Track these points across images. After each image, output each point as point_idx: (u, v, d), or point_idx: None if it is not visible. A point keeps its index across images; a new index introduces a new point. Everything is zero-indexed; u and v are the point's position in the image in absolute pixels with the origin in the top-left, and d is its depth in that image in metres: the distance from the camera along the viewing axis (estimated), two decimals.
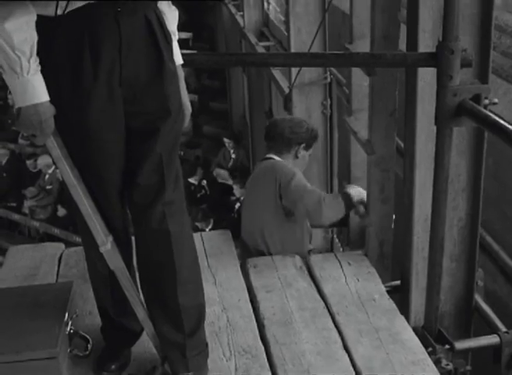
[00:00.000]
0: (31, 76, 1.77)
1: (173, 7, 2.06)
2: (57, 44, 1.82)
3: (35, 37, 1.77)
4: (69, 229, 8.93)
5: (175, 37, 2.06)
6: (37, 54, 1.78)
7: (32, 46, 1.76)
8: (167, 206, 2.02)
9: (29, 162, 9.65)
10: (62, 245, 3.31)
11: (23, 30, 1.74)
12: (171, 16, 2.05)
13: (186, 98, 2.16)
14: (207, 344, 2.25)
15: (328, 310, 2.70)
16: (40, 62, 1.79)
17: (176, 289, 2.09)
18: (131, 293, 2.16)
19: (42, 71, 1.79)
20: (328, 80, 4.70)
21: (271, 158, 3.40)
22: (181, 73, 2.12)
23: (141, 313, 2.18)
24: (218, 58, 3.10)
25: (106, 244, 2.06)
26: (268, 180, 3.25)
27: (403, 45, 2.74)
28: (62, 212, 9.15)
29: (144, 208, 2.03)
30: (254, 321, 2.60)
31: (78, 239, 7.11)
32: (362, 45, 3.54)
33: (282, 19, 7.99)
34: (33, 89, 1.78)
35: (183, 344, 2.14)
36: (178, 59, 2.10)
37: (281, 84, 5.29)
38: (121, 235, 2.13)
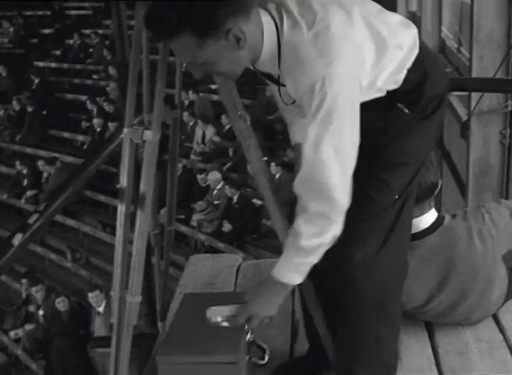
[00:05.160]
0: None
1: None
2: None
3: None
4: (233, 244, 9.21)
5: None
6: None
7: None
8: None
9: (199, 177, 10.07)
10: (240, 258, 3.44)
11: None
12: None
13: None
14: None
15: (507, 343, 2.61)
16: None
17: None
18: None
19: None
20: (510, 108, 4.58)
21: None
22: None
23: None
24: None
25: None
26: None
27: None
28: (227, 227, 9.45)
29: None
30: (430, 348, 2.57)
31: (241, 254, 7.33)
32: None
33: (455, 46, 7.87)
34: None
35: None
36: None
37: (458, 111, 5.21)
38: None
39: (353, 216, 1.82)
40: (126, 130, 2.00)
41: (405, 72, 1.89)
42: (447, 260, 2.45)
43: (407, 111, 1.94)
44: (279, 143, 10.18)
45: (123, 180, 2.03)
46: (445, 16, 7.74)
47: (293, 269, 1.87)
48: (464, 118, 4.95)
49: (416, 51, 1.91)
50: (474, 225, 2.47)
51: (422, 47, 1.94)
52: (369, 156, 1.89)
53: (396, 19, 1.94)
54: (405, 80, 1.90)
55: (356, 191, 1.81)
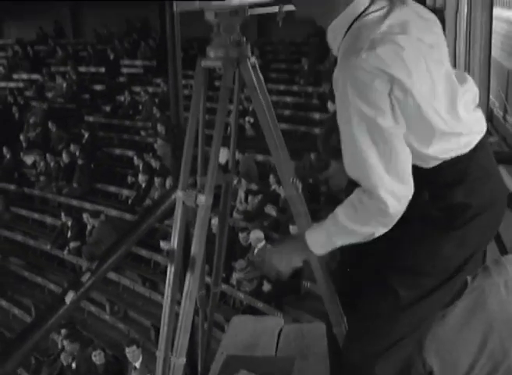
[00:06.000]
0: None
1: None
2: None
3: None
4: (272, 304, 9.15)
5: None
6: None
7: None
8: None
9: (241, 236, 10.10)
10: (282, 320, 3.43)
11: None
12: None
13: None
14: None
15: None
16: None
17: None
18: None
19: None
20: None
21: None
22: None
23: None
24: None
25: None
26: None
27: None
28: (267, 287, 9.41)
29: None
30: None
31: (280, 315, 7.28)
32: None
33: (501, 113, 7.84)
34: None
35: None
36: None
37: (505, 181, 5.17)
38: None
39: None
40: (179, 193, 2.05)
41: (448, 157, 1.90)
42: (481, 321, 2.42)
43: (427, 198, 1.94)
44: (322, 205, 10.20)
45: (174, 242, 2.07)
46: (492, 84, 7.74)
47: (321, 237, 1.94)
48: None
49: (469, 149, 1.93)
50: (499, 279, 2.45)
51: (481, 151, 1.95)
52: (382, 254, 1.97)
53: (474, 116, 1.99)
54: (442, 167, 1.91)
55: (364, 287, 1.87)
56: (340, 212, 1.87)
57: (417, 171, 1.87)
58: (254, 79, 2.09)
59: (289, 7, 2.16)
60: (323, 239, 1.94)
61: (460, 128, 1.90)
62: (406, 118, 1.80)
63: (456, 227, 1.94)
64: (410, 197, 1.83)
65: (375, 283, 2.04)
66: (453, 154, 1.90)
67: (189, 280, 2.04)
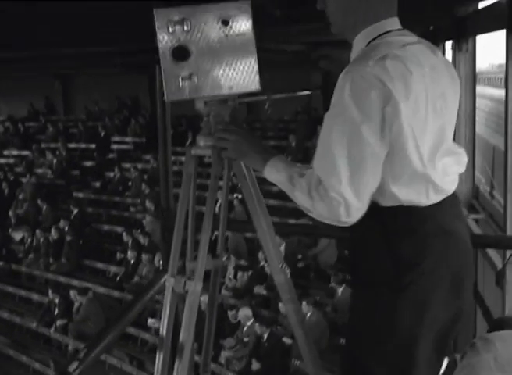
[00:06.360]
0: None
1: None
2: None
3: None
4: None
5: None
6: None
7: None
8: None
9: (230, 313, 10.00)
10: None
11: None
12: None
13: None
14: None
15: None
16: None
17: None
18: None
19: None
20: None
21: None
22: None
23: None
24: None
25: None
26: None
27: None
28: (255, 365, 9.27)
29: None
30: None
31: None
32: None
33: (487, 189, 7.95)
34: None
35: None
36: None
37: (493, 259, 5.21)
38: None
39: None
40: (169, 279, 2.06)
41: (407, 201, 1.86)
42: None
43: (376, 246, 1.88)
44: (311, 282, 10.18)
45: (163, 329, 2.06)
46: (477, 160, 7.88)
47: (277, 176, 1.90)
48: (499, 266, 4.93)
49: (430, 203, 1.89)
50: (488, 356, 2.41)
51: (440, 210, 1.91)
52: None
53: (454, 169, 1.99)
54: (397, 211, 1.86)
55: None
56: (298, 191, 1.84)
57: (372, 204, 1.84)
58: (243, 167, 2.13)
59: (277, 95, 2.23)
60: (276, 177, 1.91)
61: (432, 177, 1.87)
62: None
63: (404, 286, 1.85)
64: (361, 213, 1.78)
65: (351, 362, 2.00)
66: (414, 199, 1.86)
67: (177, 368, 2.02)
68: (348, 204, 1.75)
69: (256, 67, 2.09)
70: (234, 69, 2.06)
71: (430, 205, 1.88)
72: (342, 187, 1.75)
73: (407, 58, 1.79)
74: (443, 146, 1.90)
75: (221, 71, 2.06)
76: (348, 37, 1.97)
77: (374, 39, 1.88)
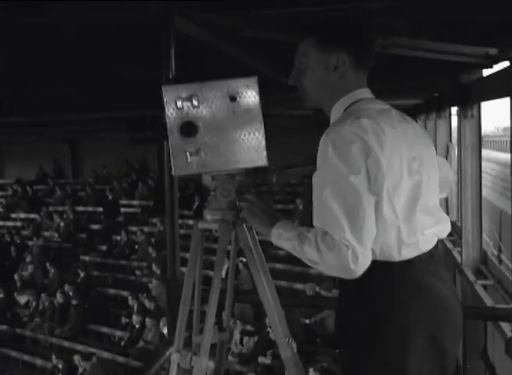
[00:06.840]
0: None
1: None
2: None
3: None
4: None
5: None
6: None
7: None
8: None
9: None
10: None
11: None
12: None
13: None
14: None
15: None
16: None
17: None
18: None
19: None
20: None
21: None
22: None
23: None
24: None
25: None
26: None
27: None
28: None
29: None
30: None
31: None
32: None
33: (495, 253, 7.90)
34: None
35: None
36: None
37: (502, 327, 5.15)
38: None
39: None
40: (175, 355, 2.04)
41: (378, 253, 1.90)
42: None
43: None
44: (318, 347, 10.02)
45: None
46: (484, 223, 7.85)
47: (285, 233, 1.94)
48: (509, 334, 4.88)
49: (404, 258, 1.92)
50: None
51: (415, 265, 1.94)
52: None
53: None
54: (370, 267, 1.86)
55: None
56: (306, 245, 1.86)
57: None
58: (250, 241, 2.14)
59: (284, 170, 2.25)
60: (286, 236, 1.94)
61: (404, 231, 1.90)
62: None
63: (378, 344, 1.88)
64: (367, 261, 1.81)
65: None
66: (386, 253, 1.90)
67: None
68: (354, 249, 1.79)
69: (263, 142, 2.13)
70: (241, 145, 2.10)
71: (403, 261, 1.92)
72: (346, 235, 1.80)
73: (380, 120, 1.90)
74: (419, 203, 1.94)
75: (228, 146, 2.10)
76: (325, 108, 2.07)
77: (348, 107, 1.99)
